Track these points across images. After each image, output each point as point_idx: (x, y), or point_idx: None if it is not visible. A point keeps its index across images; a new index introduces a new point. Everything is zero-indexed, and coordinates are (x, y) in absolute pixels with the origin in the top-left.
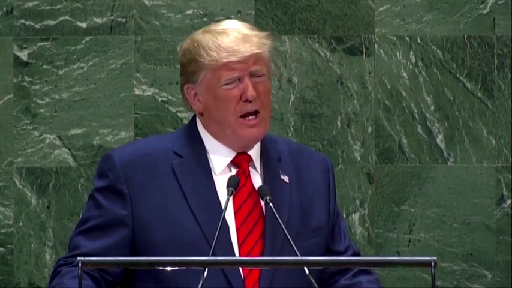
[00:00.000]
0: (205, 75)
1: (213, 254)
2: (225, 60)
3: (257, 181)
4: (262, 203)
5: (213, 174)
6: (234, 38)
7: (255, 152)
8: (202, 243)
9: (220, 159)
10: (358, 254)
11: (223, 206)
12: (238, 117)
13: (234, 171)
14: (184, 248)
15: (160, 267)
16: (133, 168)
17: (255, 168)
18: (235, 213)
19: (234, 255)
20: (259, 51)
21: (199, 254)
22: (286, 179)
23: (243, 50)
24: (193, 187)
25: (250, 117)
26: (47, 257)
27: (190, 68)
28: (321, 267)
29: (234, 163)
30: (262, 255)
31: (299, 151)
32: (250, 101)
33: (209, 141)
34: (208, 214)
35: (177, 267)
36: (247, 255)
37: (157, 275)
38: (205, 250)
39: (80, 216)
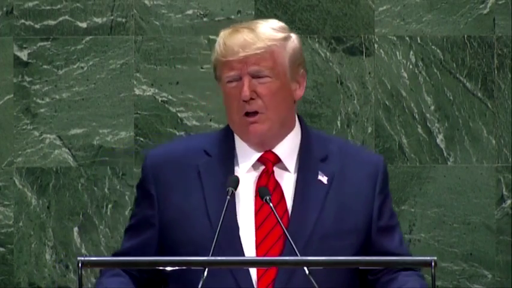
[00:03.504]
0: (218, 72)
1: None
2: (224, 59)
3: (288, 180)
4: (289, 203)
5: (236, 173)
6: (240, 37)
7: (285, 151)
8: (217, 254)
9: (245, 158)
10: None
11: (241, 207)
12: (242, 116)
13: (260, 169)
14: (199, 250)
15: (161, 267)
16: (161, 168)
17: (285, 167)
18: (256, 212)
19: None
20: (257, 51)
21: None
22: (324, 179)
23: (239, 50)
24: (214, 187)
25: (251, 115)
26: (47, 257)
27: (213, 65)
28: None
29: (261, 162)
30: (281, 255)
31: (351, 152)
32: (246, 101)
33: (238, 140)
34: (225, 221)
35: (177, 267)
36: (264, 256)
37: (187, 277)
38: (216, 253)
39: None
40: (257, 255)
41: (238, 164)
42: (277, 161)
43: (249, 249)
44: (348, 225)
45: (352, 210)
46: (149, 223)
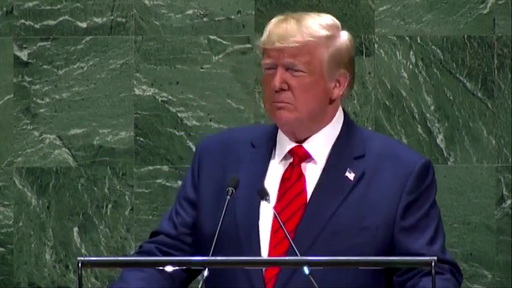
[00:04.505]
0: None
1: (239, 243)
2: (263, 46)
3: (314, 174)
4: (308, 195)
5: (270, 164)
6: (283, 27)
7: (316, 144)
8: (235, 238)
9: (280, 150)
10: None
11: (264, 202)
12: (271, 103)
13: (289, 161)
14: (219, 239)
15: (160, 267)
16: (207, 154)
17: (314, 160)
18: (277, 201)
19: (259, 247)
20: (293, 45)
21: (229, 247)
22: (351, 176)
23: (276, 41)
24: (248, 176)
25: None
26: (47, 257)
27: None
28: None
29: (291, 154)
30: (287, 250)
31: (392, 153)
32: (277, 91)
33: (280, 132)
34: (247, 208)
35: (177, 267)
36: (274, 248)
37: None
38: (235, 244)
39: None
40: (270, 245)
41: (274, 156)
42: (307, 154)
43: (264, 239)
44: (365, 222)
45: (373, 208)
46: (192, 203)
